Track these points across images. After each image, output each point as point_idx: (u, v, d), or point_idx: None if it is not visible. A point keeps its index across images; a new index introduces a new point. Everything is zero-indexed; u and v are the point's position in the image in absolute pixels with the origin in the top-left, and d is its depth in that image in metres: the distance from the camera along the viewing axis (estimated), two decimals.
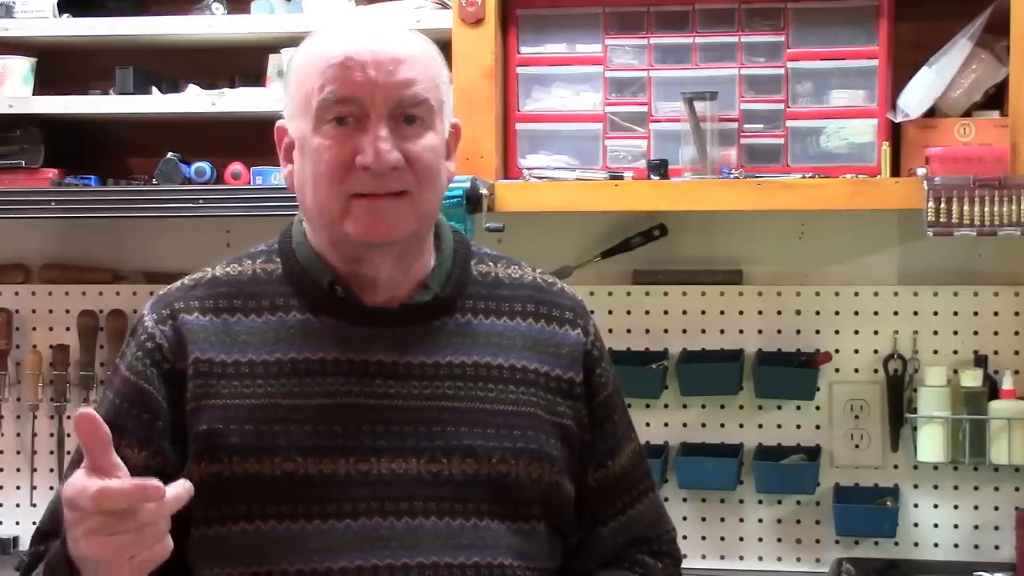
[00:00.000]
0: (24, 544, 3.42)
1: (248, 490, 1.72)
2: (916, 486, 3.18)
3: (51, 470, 3.46)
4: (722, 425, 3.25)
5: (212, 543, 1.69)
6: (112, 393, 1.81)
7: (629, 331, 3.27)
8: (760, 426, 3.23)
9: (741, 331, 3.24)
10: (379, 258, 1.78)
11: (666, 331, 3.27)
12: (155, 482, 1.49)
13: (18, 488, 3.49)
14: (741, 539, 3.25)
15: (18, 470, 3.50)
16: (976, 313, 3.16)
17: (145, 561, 1.52)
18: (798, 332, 3.22)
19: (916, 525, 3.18)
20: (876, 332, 3.19)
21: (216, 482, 1.71)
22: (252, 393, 1.75)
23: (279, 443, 1.73)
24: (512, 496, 1.77)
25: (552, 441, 1.81)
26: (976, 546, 3.16)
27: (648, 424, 3.23)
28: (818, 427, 3.22)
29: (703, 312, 3.26)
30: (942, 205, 2.85)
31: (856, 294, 3.20)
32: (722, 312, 3.25)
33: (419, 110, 1.75)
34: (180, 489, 1.52)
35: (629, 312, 3.28)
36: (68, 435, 3.46)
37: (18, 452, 3.51)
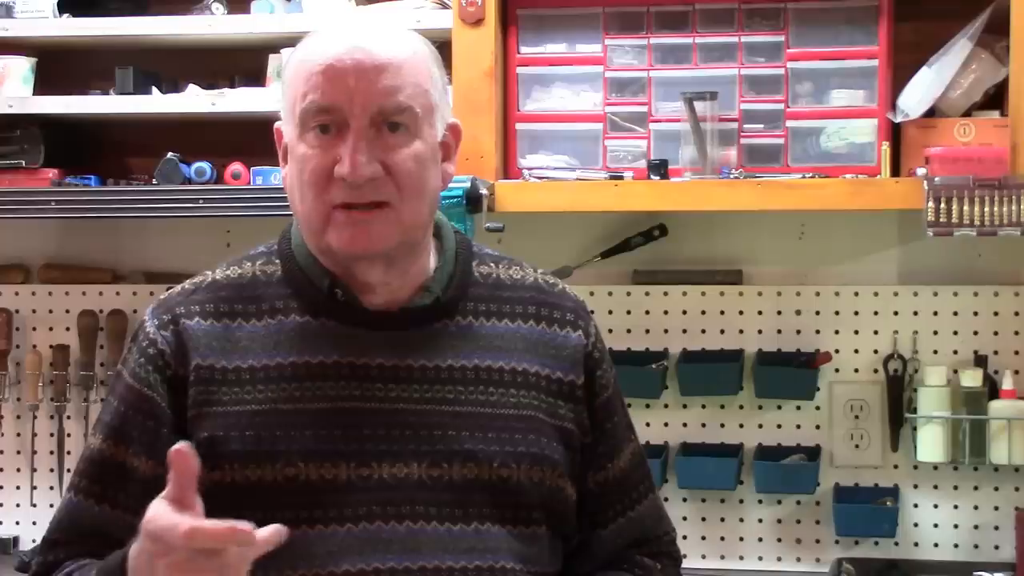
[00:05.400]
0: (24, 544, 3.43)
1: (250, 497, 1.71)
2: (916, 486, 3.18)
3: (51, 470, 3.46)
4: (722, 425, 3.25)
5: None
6: (116, 400, 1.81)
7: (629, 331, 3.27)
8: (760, 426, 3.23)
9: (741, 331, 3.24)
10: (366, 267, 1.77)
11: (666, 331, 3.27)
12: (247, 526, 1.48)
13: (18, 488, 3.49)
14: (741, 539, 3.25)
15: (18, 470, 3.50)
16: (976, 313, 3.16)
17: None
18: (798, 332, 3.22)
19: (916, 525, 3.18)
20: (876, 332, 3.19)
21: (217, 490, 1.70)
22: (253, 399, 1.74)
23: (280, 449, 1.72)
24: (513, 500, 1.77)
25: (553, 445, 1.81)
26: (976, 546, 3.16)
27: (648, 424, 3.23)
28: (818, 427, 3.22)
29: (703, 312, 3.26)
30: (942, 205, 2.85)
31: (856, 294, 3.20)
32: (722, 312, 3.25)
33: (403, 118, 1.73)
34: (270, 533, 1.50)
35: (629, 312, 3.28)
36: (68, 435, 3.46)
37: (18, 452, 3.50)
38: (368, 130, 1.72)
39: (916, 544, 3.18)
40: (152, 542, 1.52)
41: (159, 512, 1.52)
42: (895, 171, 2.96)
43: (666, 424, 3.26)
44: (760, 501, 3.23)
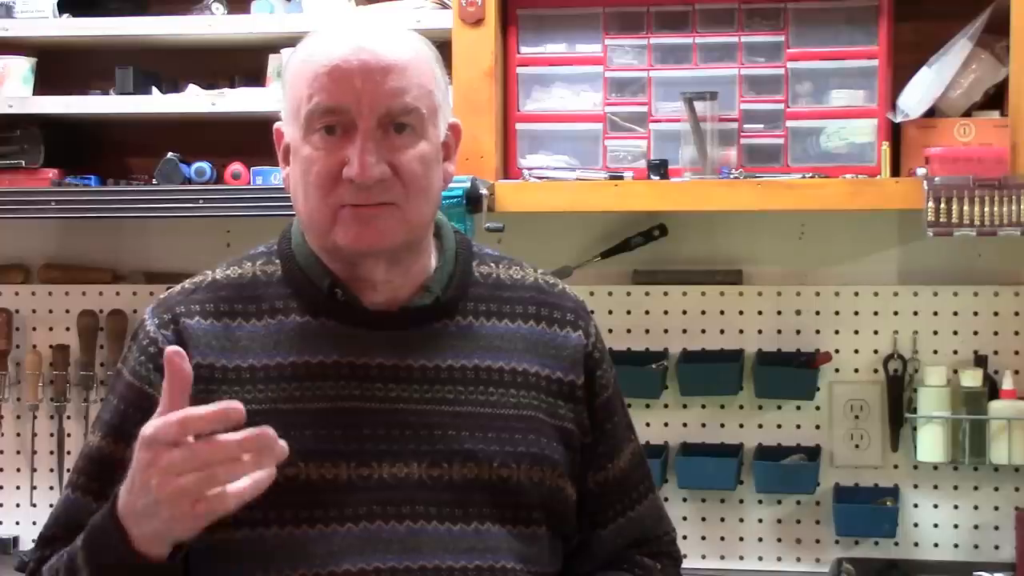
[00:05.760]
0: (24, 544, 3.43)
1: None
2: (916, 486, 3.18)
3: (51, 470, 3.46)
4: (722, 425, 3.25)
5: (213, 550, 1.69)
6: (116, 398, 1.81)
7: (629, 331, 3.27)
8: (760, 426, 3.23)
9: (741, 331, 3.24)
10: (371, 264, 1.78)
11: (666, 331, 3.27)
12: (236, 404, 1.50)
13: (18, 488, 3.49)
14: (741, 539, 3.25)
15: (18, 470, 3.50)
16: (976, 313, 3.16)
17: (208, 510, 1.51)
18: (798, 332, 3.22)
19: (916, 525, 3.18)
20: (876, 332, 3.19)
21: None
22: (253, 399, 1.74)
23: None
24: (513, 500, 1.77)
25: (553, 445, 1.81)
26: (976, 546, 3.16)
27: (648, 424, 3.23)
28: (818, 427, 3.22)
29: (703, 312, 3.26)
30: (942, 205, 2.85)
31: (856, 294, 3.20)
32: (722, 312, 3.25)
33: (409, 119, 1.74)
34: (271, 439, 1.51)
35: (629, 312, 3.28)
36: (68, 435, 3.46)
37: (18, 452, 3.50)
38: (375, 131, 1.72)
39: (916, 544, 3.18)
40: (147, 448, 1.52)
41: (151, 421, 1.53)
42: (895, 171, 2.96)
43: (666, 424, 3.26)
44: (760, 501, 3.23)
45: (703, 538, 3.25)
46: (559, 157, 3.10)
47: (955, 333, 3.17)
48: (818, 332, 3.21)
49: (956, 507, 3.17)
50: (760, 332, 3.23)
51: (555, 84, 3.11)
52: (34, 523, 3.44)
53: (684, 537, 3.08)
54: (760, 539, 3.24)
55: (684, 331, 3.26)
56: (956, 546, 3.17)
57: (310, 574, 1.70)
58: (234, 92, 3.20)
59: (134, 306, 3.42)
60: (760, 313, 3.24)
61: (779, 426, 3.23)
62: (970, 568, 3.10)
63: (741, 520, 3.25)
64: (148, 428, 1.53)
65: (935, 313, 3.18)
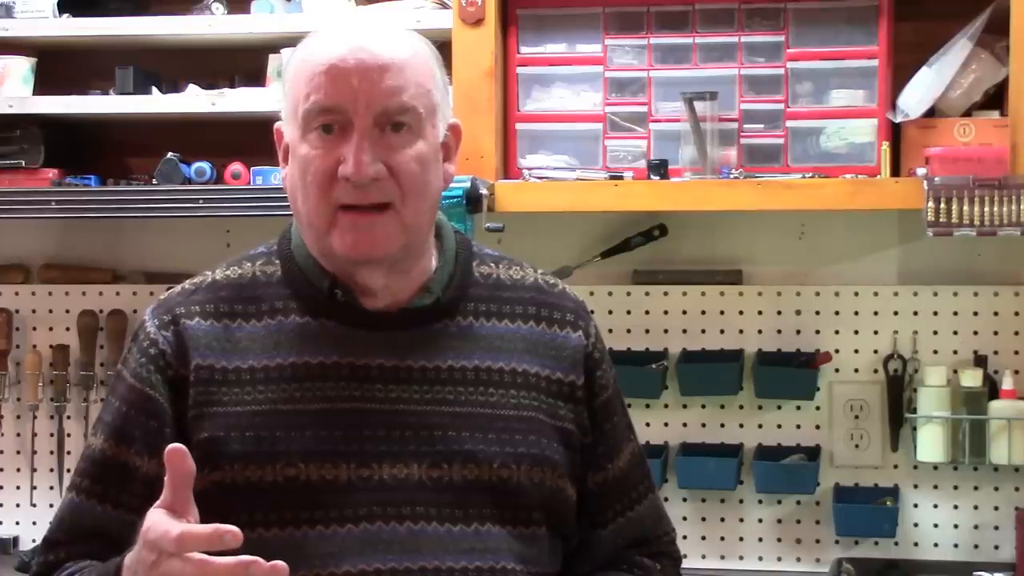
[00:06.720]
0: (24, 544, 3.43)
1: (249, 497, 1.72)
2: (916, 486, 3.18)
3: (51, 470, 3.46)
4: (722, 425, 3.25)
5: (213, 552, 1.68)
6: (117, 400, 1.80)
7: (629, 331, 3.27)
8: (760, 426, 3.23)
9: (741, 331, 3.24)
10: (368, 272, 1.78)
11: (666, 331, 3.27)
12: (232, 528, 1.50)
13: (18, 488, 3.49)
14: (741, 539, 3.25)
15: (18, 470, 3.49)
16: (976, 313, 3.16)
17: None
18: (798, 332, 3.22)
19: (916, 525, 3.18)
20: (876, 332, 3.19)
21: (217, 490, 1.71)
22: (253, 400, 1.75)
23: (280, 449, 1.73)
24: (513, 501, 1.77)
25: (554, 445, 1.81)
26: (976, 546, 3.16)
27: (648, 424, 3.23)
28: (818, 427, 3.22)
29: (703, 312, 3.26)
30: (942, 205, 2.85)
31: (856, 294, 3.20)
32: (722, 312, 3.25)
33: (406, 118, 1.73)
34: (269, 568, 1.51)
35: (629, 312, 3.28)
36: (68, 435, 3.46)
37: (18, 452, 3.50)
38: (372, 130, 1.72)
39: (916, 544, 3.18)
40: (150, 551, 1.53)
41: (156, 520, 1.54)
42: (895, 171, 2.96)
43: (666, 424, 3.26)
44: (760, 501, 3.23)
45: (703, 538, 3.25)
46: (559, 157, 3.10)
47: (955, 333, 3.17)
48: (818, 332, 3.21)
49: (956, 507, 3.17)
50: (760, 332, 3.23)
51: (555, 84, 3.11)
52: (34, 523, 3.44)
53: (684, 537, 3.09)
54: (760, 539, 3.24)
55: (684, 331, 3.26)
56: (956, 546, 3.17)
57: (310, 575, 1.70)
58: (234, 92, 3.20)
59: (134, 306, 3.42)
60: (760, 313, 3.24)
61: (779, 426, 3.23)
62: (970, 568, 3.10)
63: (741, 520, 3.25)
64: (150, 531, 1.53)
65: (935, 313, 3.18)
